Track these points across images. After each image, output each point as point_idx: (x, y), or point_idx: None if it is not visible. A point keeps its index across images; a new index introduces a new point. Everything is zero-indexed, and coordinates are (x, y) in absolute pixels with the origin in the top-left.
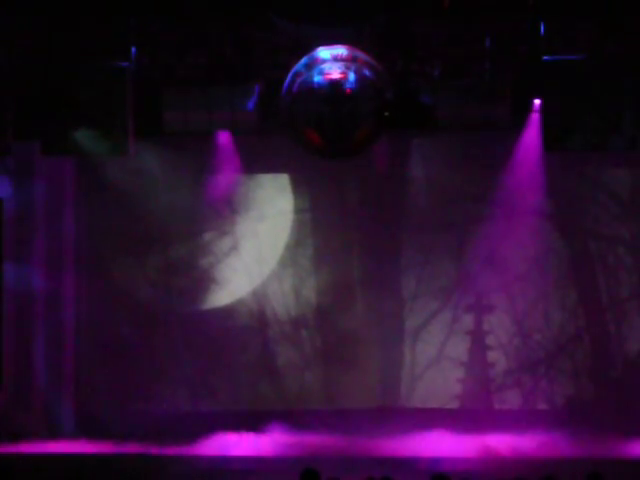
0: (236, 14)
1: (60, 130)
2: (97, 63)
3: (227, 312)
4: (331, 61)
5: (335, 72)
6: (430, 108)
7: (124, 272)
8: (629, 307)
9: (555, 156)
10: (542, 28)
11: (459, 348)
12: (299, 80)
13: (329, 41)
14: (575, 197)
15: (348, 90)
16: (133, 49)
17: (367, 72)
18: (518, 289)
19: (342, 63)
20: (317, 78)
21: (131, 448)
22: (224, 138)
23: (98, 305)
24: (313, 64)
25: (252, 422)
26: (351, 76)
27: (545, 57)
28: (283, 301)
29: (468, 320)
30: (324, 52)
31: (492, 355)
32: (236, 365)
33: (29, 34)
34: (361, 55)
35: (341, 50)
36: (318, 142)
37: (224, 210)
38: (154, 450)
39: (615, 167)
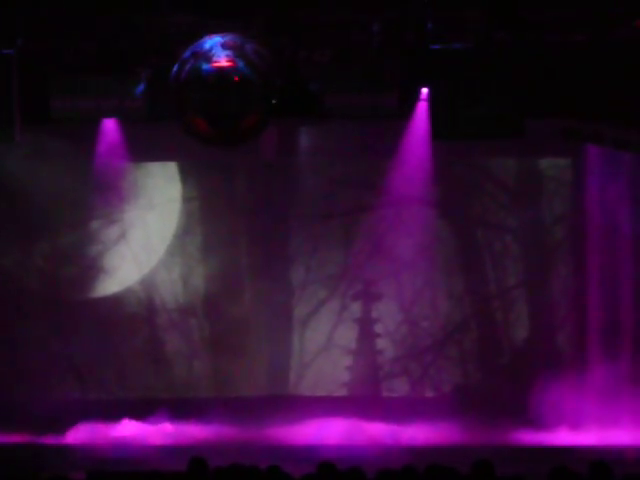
0: (125, 0)
1: None
2: None
3: (115, 300)
4: (219, 48)
5: (223, 60)
6: (318, 96)
7: (10, 260)
8: (516, 295)
9: (443, 144)
10: (430, 16)
11: (347, 336)
12: (187, 67)
13: (218, 29)
14: (462, 185)
15: (236, 78)
16: (19, 37)
17: (255, 59)
18: (406, 277)
19: (230, 51)
20: (205, 66)
21: (16, 438)
22: (112, 125)
23: None
24: (201, 51)
25: (140, 410)
26: (239, 63)
27: (433, 45)
28: (171, 289)
29: (356, 308)
30: (212, 40)
31: (380, 343)
32: (124, 353)
33: None
34: (249, 42)
35: (229, 37)
36: (206, 130)
37: (112, 198)
38: (39, 439)
39: (502, 155)
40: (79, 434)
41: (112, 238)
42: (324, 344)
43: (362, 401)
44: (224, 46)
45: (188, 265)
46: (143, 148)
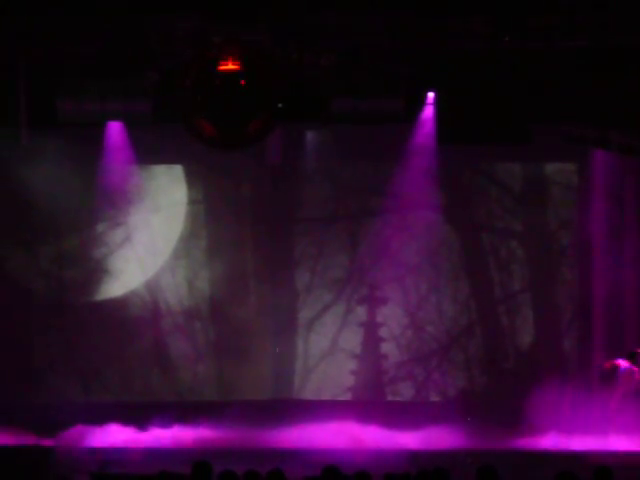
0: (131, 3)
1: None
2: None
3: (120, 303)
4: (226, 52)
5: (230, 63)
6: (324, 100)
7: (16, 263)
8: (521, 300)
9: (449, 149)
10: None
11: (352, 340)
12: (194, 70)
13: (224, 31)
14: (468, 190)
15: (242, 81)
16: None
17: (262, 63)
18: (411, 281)
19: (237, 54)
20: (212, 68)
21: (21, 440)
22: (118, 128)
23: None
24: (208, 54)
25: (144, 414)
26: (246, 67)
27: (440, 50)
28: (176, 293)
29: (361, 312)
30: (219, 42)
31: (385, 347)
32: (129, 356)
33: None
34: (256, 46)
35: (236, 41)
36: (212, 133)
37: (118, 201)
38: (44, 442)
39: (508, 160)
40: (83, 437)
41: (117, 241)
42: (329, 348)
43: (366, 405)
44: (231, 49)
45: (193, 268)
46: (148, 151)
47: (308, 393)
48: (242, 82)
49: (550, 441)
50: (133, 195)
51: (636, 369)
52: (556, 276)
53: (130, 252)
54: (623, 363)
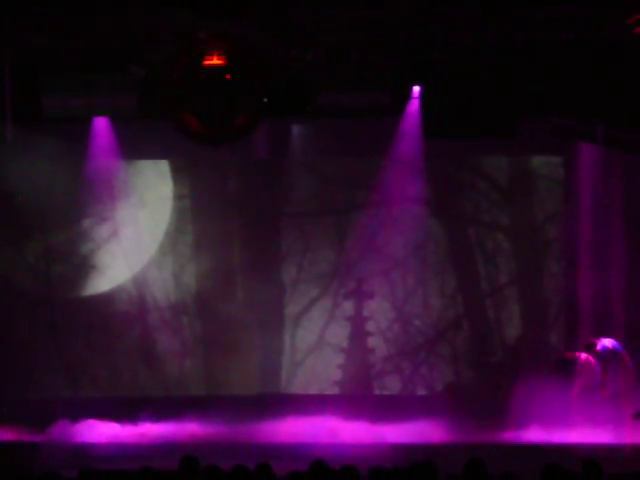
0: None
1: None
2: None
3: (107, 298)
4: (211, 46)
5: (215, 57)
6: (310, 94)
7: (2, 259)
8: (508, 293)
9: (435, 143)
10: (423, 15)
11: (339, 334)
12: (179, 65)
13: (209, 26)
14: (454, 184)
15: (228, 76)
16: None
17: (247, 58)
18: (398, 275)
19: (222, 48)
20: (197, 63)
21: (8, 435)
22: (104, 124)
23: None
24: (193, 49)
25: (131, 409)
26: (231, 61)
27: (425, 43)
28: (163, 287)
29: (348, 306)
30: (204, 37)
31: (372, 341)
32: (116, 351)
33: None
34: (242, 40)
35: (222, 36)
36: (198, 128)
37: (104, 196)
38: (31, 437)
39: (494, 154)
40: (70, 432)
41: (104, 236)
42: (316, 342)
43: (354, 399)
44: (217, 44)
45: (179, 263)
46: (134, 146)
47: (295, 387)
48: (227, 77)
49: (537, 434)
50: (119, 190)
51: (594, 361)
52: (542, 270)
53: (117, 247)
54: (582, 355)
